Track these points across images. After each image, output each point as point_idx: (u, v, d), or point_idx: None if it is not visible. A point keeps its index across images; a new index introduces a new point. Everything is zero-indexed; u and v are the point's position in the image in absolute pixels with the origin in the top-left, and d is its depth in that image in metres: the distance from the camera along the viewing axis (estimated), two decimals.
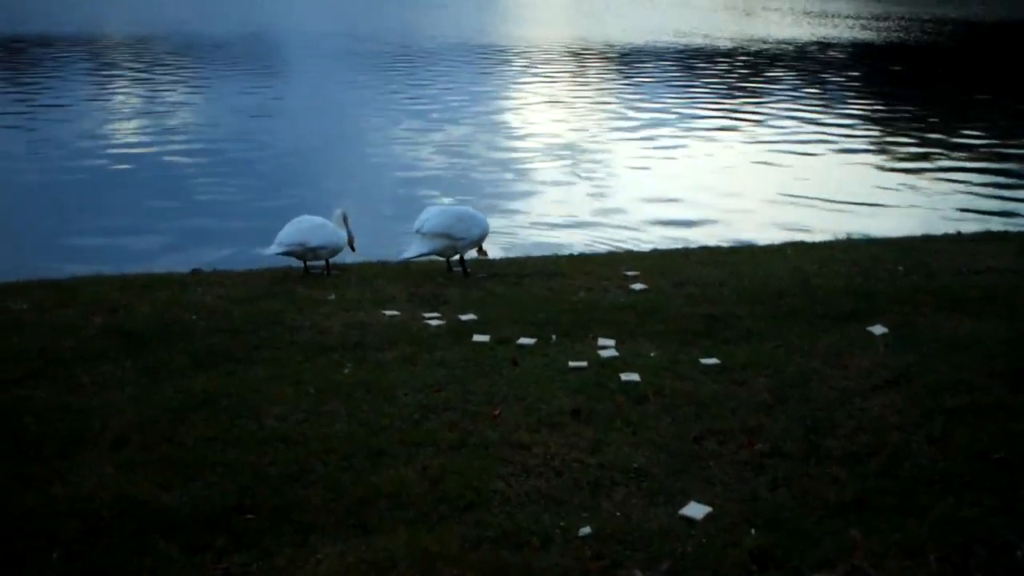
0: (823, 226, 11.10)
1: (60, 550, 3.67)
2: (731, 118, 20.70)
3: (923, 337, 5.92)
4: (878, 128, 20.16)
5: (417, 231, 7.44)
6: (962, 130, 19.50)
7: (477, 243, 7.67)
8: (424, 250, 7.46)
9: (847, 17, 60.58)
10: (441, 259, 7.80)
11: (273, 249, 7.55)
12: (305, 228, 7.57)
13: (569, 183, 14.13)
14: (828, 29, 50.39)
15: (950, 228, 10.34)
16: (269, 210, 12.06)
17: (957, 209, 12.51)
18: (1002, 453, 4.30)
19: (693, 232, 11.11)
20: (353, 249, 8.02)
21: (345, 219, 7.91)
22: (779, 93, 25.03)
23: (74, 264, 9.00)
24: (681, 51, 37.13)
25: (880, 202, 13.06)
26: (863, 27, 52.96)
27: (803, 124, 19.91)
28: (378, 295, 7.07)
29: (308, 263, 7.74)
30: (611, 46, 39.00)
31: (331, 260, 7.81)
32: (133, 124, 18.96)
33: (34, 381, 5.31)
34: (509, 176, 14.60)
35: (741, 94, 24.82)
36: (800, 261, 8.07)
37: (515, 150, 16.85)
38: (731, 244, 9.86)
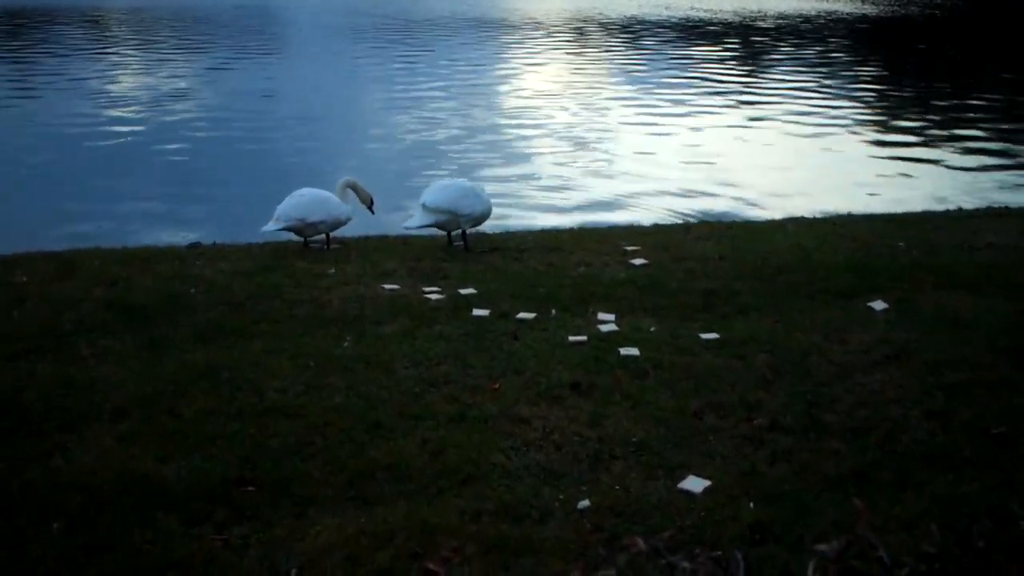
0: (824, 201, 11.06)
1: (61, 523, 3.69)
2: (731, 93, 20.61)
3: (923, 313, 5.92)
4: (879, 103, 20.09)
5: (422, 204, 7.45)
6: (964, 106, 19.43)
7: (480, 220, 7.67)
8: (427, 222, 7.46)
9: None
10: (441, 233, 7.80)
11: (271, 226, 7.54)
12: (304, 203, 7.54)
13: (570, 157, 14.08)
14: (830, 4, 50.09)
15: (951, 204, 10.32)
16: (267, 183, 12.04)
17: (958, 185, 12.47)
18: (1003, 429, 4.31)
19: (693, 207, 11.07)
20: (372, 211, 8.03)
21: (355, 187, 7.89)
22: (779, 68, 24.92)
23: (74, 237, 8.97)
24: (681, 25, 36.91)
25: (880, 178, 13.01)
26: (867, 2, 52.65)
27: (804, 99, 19.82)
28: (378, 269, 7.06)
29: (308, 238, 7.72)
30: (611, 19, 38.78)
31: (333, 233, 7.78)
32: (133, 98, 18.87)
33: (35, 355, 5.31)
34: (509, 149, 14.55)
35: (740, 69, 24.71)
36: (800, 237, 8.05)
37: (515, 124, 16.78)
38: (731, 219, 9.83)
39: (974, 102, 20.04)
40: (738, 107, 18.82)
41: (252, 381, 4.93)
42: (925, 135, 16.17)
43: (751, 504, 3.75)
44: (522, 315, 5.94)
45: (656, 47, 29.35)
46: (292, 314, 6.01)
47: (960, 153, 14.66)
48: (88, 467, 4.07)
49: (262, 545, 3.56)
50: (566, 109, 18.49)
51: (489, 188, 8.36)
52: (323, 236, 7.73)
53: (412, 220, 7.54)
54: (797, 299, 6.28)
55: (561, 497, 3.84)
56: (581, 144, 15.12)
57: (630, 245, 7.71)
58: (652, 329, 5.69)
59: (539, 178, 12.72)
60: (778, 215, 10.01)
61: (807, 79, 22.88)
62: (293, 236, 7.81)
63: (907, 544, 3.30)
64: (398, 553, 3.48)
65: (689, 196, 11.67)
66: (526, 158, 14.04)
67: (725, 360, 5.21)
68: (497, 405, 4.65)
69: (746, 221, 9.52)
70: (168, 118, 16.67)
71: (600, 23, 37.99)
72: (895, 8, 49.13)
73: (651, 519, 3.67)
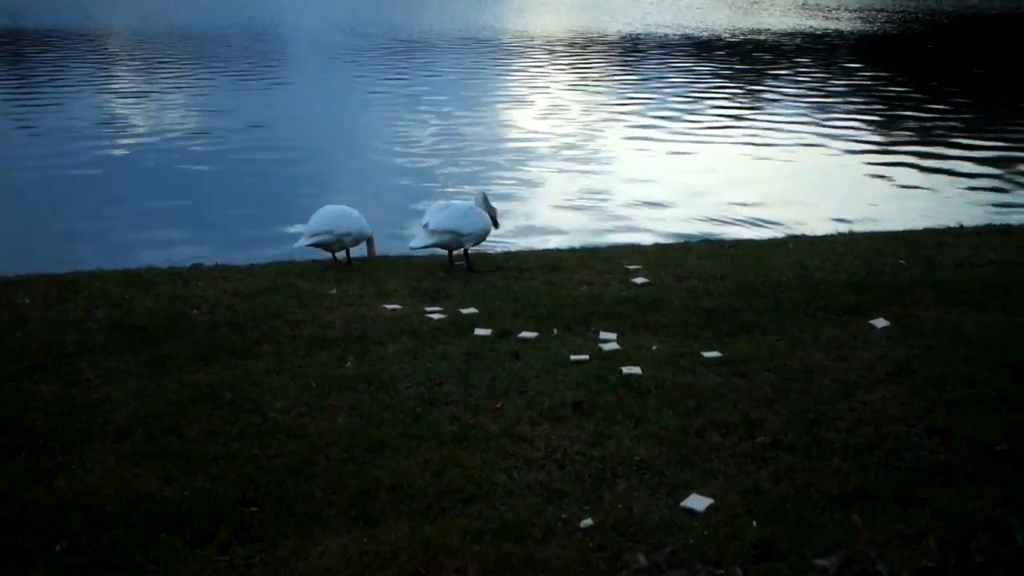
0: (825, 219, 11.10)
1: (64, 543, 3.69)
2: (731, 112, 20.67)
3: (925, 330, 5.94)
4: (879, 121, 20.14)
5: (425, 226, 7.50)
6: (963, 123, 19.47)
7: (481, 239, 7.71)
8: (430, 242, 7.52)
9: (847, 10, 60.52)
10: (443, 253, 7.84)
11: (302, 242, 7.70)
12: (332, 217, 7.74)
13: (571, 177, 14.12)
14: (829, 22, 50.35)
15: (952, 221, 10.33)
16: (271, 205, 12.09)
17: (959, 202, 12.50)
18: (1004, 445, 4.31)
19: (694, 225, 11.10)
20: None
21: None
22: (779, 86, 25.01)
23: (75, 258, 9.00)
24: (679, 44, 37.10)
25: (881, 195, 13.04)
26: (863, 20, 52.91)
27: (803, 117, 19.88)
28: (380, 289, 7.08)
29: (335, 252, 7.84)
30: (611, 39, 38.99)
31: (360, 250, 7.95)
32: (135, 120, 18.95)
33: (38, 375, 5.33)
34: (510, 170, 14.59)
35: (740, 88, 24.80)
36: (802, 255, 8.07)
37: (516, 144, 16.83)
38: (732, 238, 9.84)
39: (975, 118, 20.08)
40: (738, 126, 18.87)
41: (254, 401, 4.95)
42: (927, 151, 16.21)
43: (754, 522, 3.75)
44: (524, 334, 5.96)
45: (655, 66, 29.47)
46: (294, 334, 6.03)
47: (962, 169, 14.69)
48: (91, 487, 4.08)
49: (266, 565, 3.57)
50: (568, 129, 18.54)
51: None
52: (344, 252, 7.87)
53: (416, 240, 7.60)
54: (799, 317, 6.29)
55: (564, 516, 3.84)
56: (584, 164, 15.15)
57: (631, 264, 7.74)
58: (654, 347, 5.70)
59: (540, 199, 12.75)
60: (779, 233, 10.04)
61: (807, 97, 22.96)
62: (319, 253, 7.96)
63: (909, 560, 3.31)
64: (401, 573, 3.49)
65: (689, 214, 11.69)
66: (526, 179, 14.07)
67: (727, 378, 5.21)
68: (499, 424, 4.66)
69: (747, 239, 9.54)
70: (167, 138, 16.72)
71: (598, 41, 38.17)
72: (893, 25, 49.37)
73: (654, 537, 3.67)
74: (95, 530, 3.78)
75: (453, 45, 36.06)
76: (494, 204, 8.02)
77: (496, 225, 8.05)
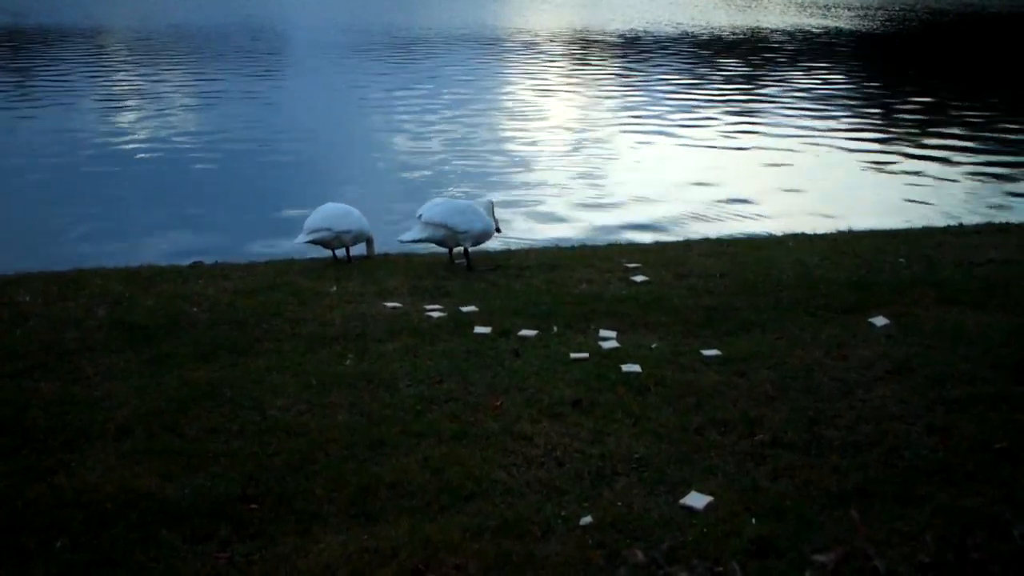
0: (825, 218, 11.10)
1: (65, 541, 3.70)
2: (731, 110, 20.67)
3: (924, 328, 5.94)
4: (879, 119, 20.14)
5: (418, 217, 7.50)
6: (964, 121, 19.47)
7: (480, 239, 7.67)
8: (422, 235, 7.49)
9: (846, 8, 60.48)
10: (442, 251, 7.84)
11: (301, 238, 7.69)
12: (333, 215, 7.75)
13: (571, 175, 14.12)
14: (828, 20, 50.33)
15: (952, 220, 10.34)
16: (271, 203, 12.09)
17: (959, 201, 12.50)
18: (1003, 444, 4.32)
19: (694, 223, 11.11)
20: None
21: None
22: (778, 84, 25.00)
23: (76, 256, 9.01)
24: (681, 43, 37.09)
25: (881, 194, 13.05)
26: (862, 18, 52.88)
27: (803, 115, 19.88)
28: (380, 287, 7.09)
29: (335, 249, 7.86)
30: (611, 38, 38.99)
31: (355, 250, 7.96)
32: (135, 118, 18.96)
33: (39, 373, 5.34)
34: (509, 168, 14.59)
35: (739, 86, 24.79)
36: (801, 253, 8.07)
37: (516, 142, 16.84)
38: (732, 236, 9.84)
39: (975, 116, 20.08)
40: (738, 124, 18.87)
41: (255, 399, 4.96)
42: (927, 149, 16.21)
43: (753, 520, 3.76)
44: (524, 332, 5.96)
45: (654, 64, 29.46)
46: (294, 332, 6.04)
47: (962, 168, 14.70)
48: (91, 485, 4.09)
49: (266, 562, 3.57)
50: (568, 128, 18.54)
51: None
52: (344, 250, 7.91)
53: (408, 233, 7.59)
54: (798, 315, 6.29)
55: (563, 514, 3.85)
56: (583, 163, 15.15)
57: (631, 262, 7.74)
58: (654, 346, 5.70)
59: (540, 197, 12.75)
60: (779, 231, 10.04)
61: (807, 95, 22.95)
62: (319, 251, 7.98)
63: (907, 556, 3.32)
64: (401, 570, 3.49)
65: (690, 212, 11.69)
66: (526, 177, 14.07)
67: (727, 377, 5.22)
68: (499, 422, 4.66)
69: (747, 237, 9.54)
70: (167, 137, 16.72)
71: (598, 40, 38.17)
72: (893, 23, 49.38)
73: (653, 535, 3.68)
74: (95, 528, 3.79)
75: (454, 44, 36.04)
76: (498, 214, 7.99)
77: (498, 230, 8.04)
